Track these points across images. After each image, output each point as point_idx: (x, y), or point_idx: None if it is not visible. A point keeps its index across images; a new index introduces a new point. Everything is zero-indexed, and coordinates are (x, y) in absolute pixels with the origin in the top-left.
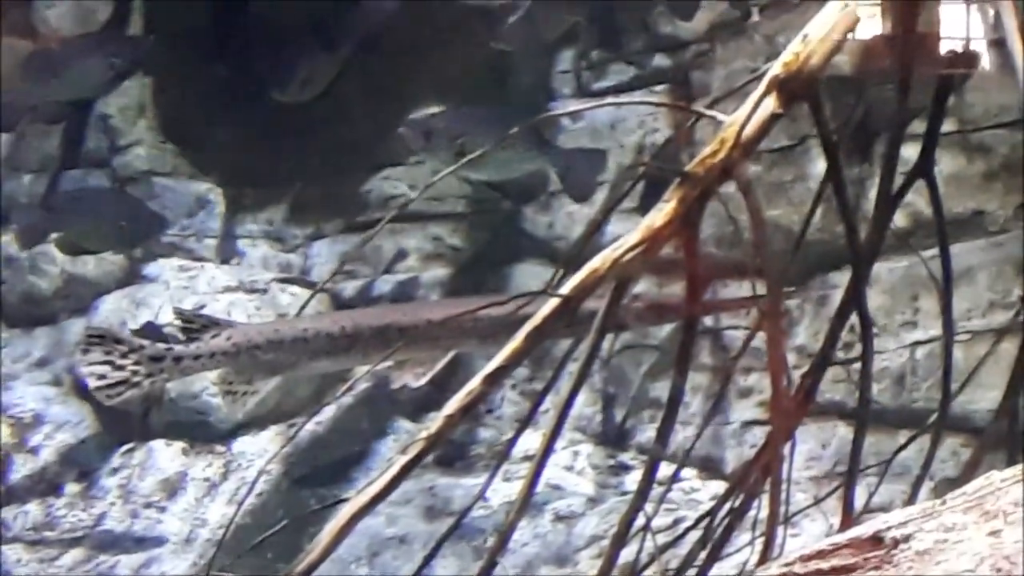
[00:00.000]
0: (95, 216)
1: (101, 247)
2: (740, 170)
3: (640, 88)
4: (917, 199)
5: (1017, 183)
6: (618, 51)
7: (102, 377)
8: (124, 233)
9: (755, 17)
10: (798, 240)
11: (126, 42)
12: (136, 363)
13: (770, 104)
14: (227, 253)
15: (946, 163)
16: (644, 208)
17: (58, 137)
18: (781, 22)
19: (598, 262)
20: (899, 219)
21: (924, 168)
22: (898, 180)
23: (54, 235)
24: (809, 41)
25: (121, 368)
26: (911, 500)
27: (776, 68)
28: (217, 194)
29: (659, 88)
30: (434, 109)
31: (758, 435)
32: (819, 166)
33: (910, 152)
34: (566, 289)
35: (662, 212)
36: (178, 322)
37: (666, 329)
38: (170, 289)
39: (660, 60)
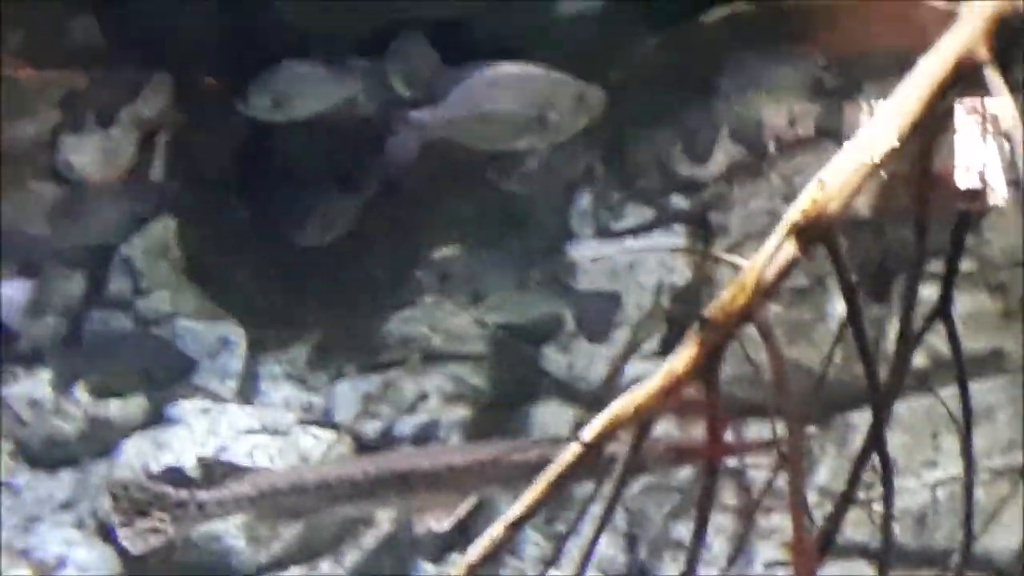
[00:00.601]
0: (123, 358)
1: (130, 390)
2: (760, 315)
3: (658, 228)
4: (935, 338)
5: None
6: (636, 192)
7: (129, 526)
8: (153, 375)
9: (771, 149)
10: (818, 381)
11: (149, 187)
12: (162, 510)
13: (789, 249)
14: (249, 395)
15: (964, 302)
16: (665, 350)
17: (81, 280)
18: (798, 163)
19: (619, 408)
20: (918, 358)
21: (943, 309)
22: (917, 319)
23: (83, 378)
24: (826, 187)
25: (147, 516)
26: None
27: (794, 214)
28: (239, 335)
29: (677, 228)
30: (450, 251)
31: None
32: (838, 305)
33: (928, 291)
34: (587, 434)
35: (683, 357)
36: (201, 469)
37: (688, 470)
38: (193, 431)
39: (678, 200)
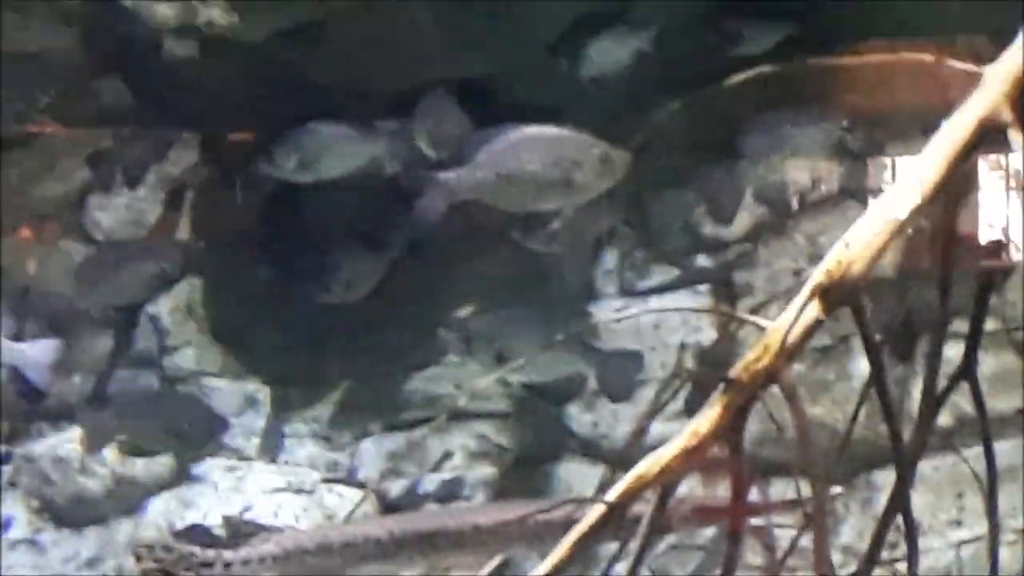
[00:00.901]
0: (156, 418)
1: (164, 449)
2: (784, 376)
3: (683, 288)
4: (960, 397)
5: None
6: (660, 251)
7: None
8: (185, 435)
9: (795, 209)
10: (843, 442)
11: (176, 247)
12: (187, 570)
13: (813, 311)
14: (274, 453)
15: (988, 362)
16: (689, 410)
17: (108, 339)
18: (822, 222)
19: (644, 468)
20: (942, 417)
21: (967, 369)
22: (941, 379)
23: (116, 438)
24: (851, 248)
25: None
26: None
27: (818, 276)
28: (264, 394)
29: (702, 288)
30: (475, 311)
31: None
32: (862, 364)
33: (953, 351)
34: (612, 495)
35: (707, 418)
36: (226, 527)
37: (712, 529)
38: (218, 490)
39: (703, 260)
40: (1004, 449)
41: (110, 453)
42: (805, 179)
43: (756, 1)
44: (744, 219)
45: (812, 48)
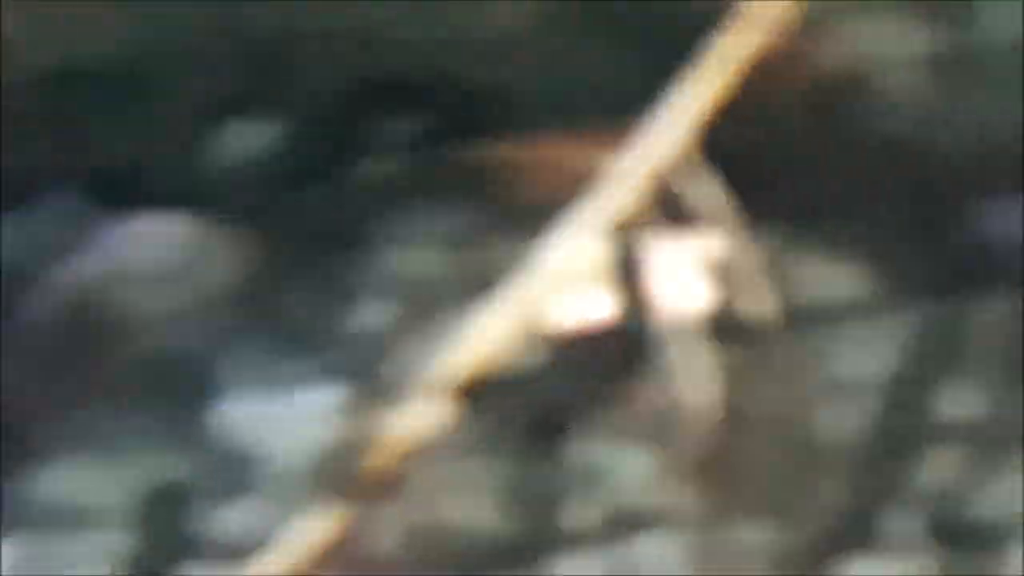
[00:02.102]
0: None
1: None
2: (400, 480)
3: (320, 383)
4: None
5: None
6: (291, 345)
7: None
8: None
9: (432, 303)
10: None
11: None
12: None
13: (442, 409)
14: None
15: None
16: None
17: None
18: (461, 314)
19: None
20: None
21: None
22: None
23: None
24: (479, 340)
25: None
26: None
27: (446, 372)
28: None
29: (339, 382)
30: (92, 407)
31: None
32: (499, 461)
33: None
34: None
35: (320, 524)
36: None
37: None
38: None
39: (338, 353)
40: None
41: None
42: (444, 270)
43: (398, 91)
44: (379, 311)
45: (454, 139)
